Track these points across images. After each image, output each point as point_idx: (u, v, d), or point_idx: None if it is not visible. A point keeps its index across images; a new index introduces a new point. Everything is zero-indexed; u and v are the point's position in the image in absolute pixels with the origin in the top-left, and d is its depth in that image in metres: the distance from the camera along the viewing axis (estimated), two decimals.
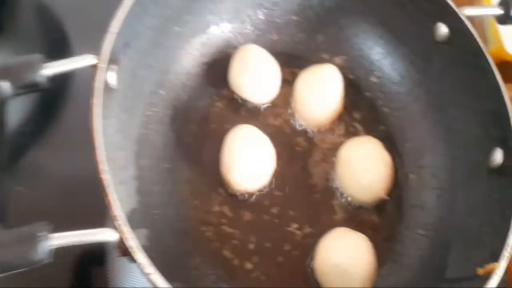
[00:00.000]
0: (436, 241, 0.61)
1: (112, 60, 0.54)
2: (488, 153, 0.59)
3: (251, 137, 0.63)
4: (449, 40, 0.65)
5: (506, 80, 0.60)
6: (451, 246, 0.59)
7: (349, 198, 0.64)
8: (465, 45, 0.63)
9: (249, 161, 0.61)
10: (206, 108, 0.69)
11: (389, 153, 0.66)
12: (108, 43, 0.53)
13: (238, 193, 0.63)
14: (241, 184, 0.61)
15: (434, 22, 0.66)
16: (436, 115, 0.68)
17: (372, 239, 0.62)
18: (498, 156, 0.57)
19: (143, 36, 0.61)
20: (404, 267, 0.61)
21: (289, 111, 0.71)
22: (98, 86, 0.51)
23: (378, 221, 0.64)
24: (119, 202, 0.45)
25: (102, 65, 0.52)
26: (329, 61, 0.75)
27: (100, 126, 0.48)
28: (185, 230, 0.60)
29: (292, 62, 0.75)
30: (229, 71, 0.69)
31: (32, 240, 0.40)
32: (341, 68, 0.75)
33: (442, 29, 0.65)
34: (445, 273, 0.57)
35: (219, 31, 0.74)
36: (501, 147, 0.57)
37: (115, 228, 0.44)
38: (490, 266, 0.48)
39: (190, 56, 0.71)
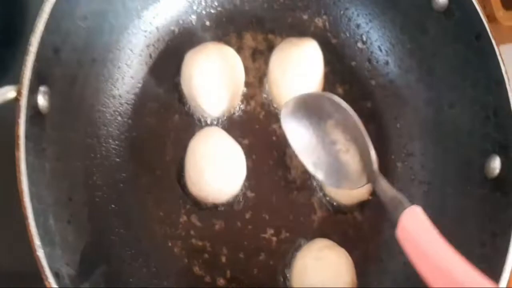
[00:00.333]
0: None
1: (41, 81, 0.45)
2: (485, 154, 0.52)
3: (218, 145, 0.55)
4: (448, 10, 0.55)
5: None
6: None
7: (328, 197, 0.59)
8: (466, 20, 0.54)
9: (216, 175, 0.54)
10: (165, 98, 0.60)
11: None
12: (29, 66, 0.43)
13: (205, 205, 0.57)
14: (208, 199, 0.55)
15: None
16: (427, 94, 0.60)
17: (353, 240, 0.58)
18: (495, 164, 0.50)
19: (75, 31, 0.51)
20: (387, 275, 0.57)
21: (263, 91, 0.62)
22: (23, 125, 0.42)
23: (360, 219, 0.59)
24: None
25: (26, 96, 0.43)
26: (309, 22, 0.65)
27: (26, 188, 0.40)
28: (148, 251, 0.55)
29: (265, 26, 0.65)
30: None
31: None
32: (323, 31, 0.65)
33: None
34: None
35: None
36: (500, 155, 0.50)
37: None
38: None
39: (142, 33, 0.60)
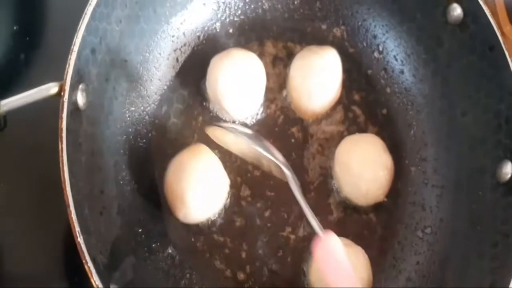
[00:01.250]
0: (434, 248, 0.59)
1: (80, 79, 0.48)
2: (497, 160, 0.55)
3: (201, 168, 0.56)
4: (463, 23, 0.58)
5: None
6: (450, 258, 0.57)
7: (344, 198, 0.61)
8: (480, 33, 0.56)
9: (198, 197, 0.55)
10: (189, 100, 0.63)
11: (391, 141, 0.63)
12: (71, 64, 0.46)
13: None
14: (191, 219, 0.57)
15: (448, 1, 0.58)
16: (441, 103, 0.63)
17: (368, 240, 0.60)
18: (507, 170, 0.53)
19: (110, 33, 0.54)
20: (402, 274, 0.59)
21: (283, 96, 0.65)
22: (65, 119, 0.45)
23: (375, 220, 0.62)
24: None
25: (68, 92, 0.46)
26: (328, 32, 0.68)
27: (68, 177, 0.43)
28: (173, 244, 0.57)
29: (285, 35, 0.68)
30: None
31: None
32: (341, 41, 0.68)
33: (457, 11, 0.57)
34: None
35: (201, 3, 0.65)
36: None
37: None
38: None
39: (170, 38, 0.63)
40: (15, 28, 0.71)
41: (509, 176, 0.53)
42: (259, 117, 0.64)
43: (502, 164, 0.54)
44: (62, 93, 0.46)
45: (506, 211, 0.52)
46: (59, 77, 0.47)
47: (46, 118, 0.47)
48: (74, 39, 0.47)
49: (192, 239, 0.58)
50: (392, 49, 0.66)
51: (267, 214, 0.60)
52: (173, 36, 0.64)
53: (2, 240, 0.60)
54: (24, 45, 0.70)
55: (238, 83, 0.59)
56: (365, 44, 0.67)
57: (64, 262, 0.61)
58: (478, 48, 0.57)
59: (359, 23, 0.67)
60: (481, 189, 0.56)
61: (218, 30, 0.66)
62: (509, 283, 0.47)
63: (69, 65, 0.46)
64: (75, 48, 0.47)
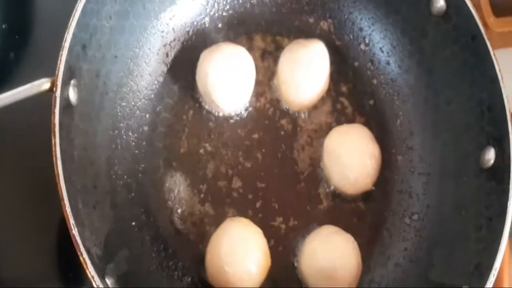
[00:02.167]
0: (422, 234, 0.61)
1: (71, 75, 0.49)
2: (480, 147, 0.56)
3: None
4: (446, 15, 0.59)
5: None
6: (437, 243, 0.59)
7: (334, 187, 0.62)
8: (462, 24, 0.58)
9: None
10: (180, 94, 0.64)
11: (378, 131, 0.64)
12: (63, 60, 0.47)
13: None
14: None
15: None
16: (427, 92, 0.64)
17: (358, 228, 0.62)
18: (490, 156, 0.54)
19: (101, 29, 0.55)
20: (390, 260, 0.61)
21: (272, 89, 0.66)
22: (58, 114, 0.46)
23: (364, 208, 0.63)
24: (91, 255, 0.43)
25: (60, 87, 0.46)
26: (315, 25, 0.69)
27: (61, 171, 0.44)
28: (165, 236, 0.58)
29: (274, 29, 0.69)
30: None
31: None
32: (328, 34, 0.69)
33: (440, 2, 0.59)
34: (430, 274, 0.57)
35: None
36: (494, 147, 0.54)
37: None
38: None
39: (159, 34, 0.64)
40: (3, 26, 0.71)
41: (491, 162, 0.54)
42: (248, 110, 0.65)
43: (485, 150, 0.55)
44: (54, 89, 0.46)
45: (489, 195, 0.54)
46: (49, 75, 0.48)
47: (38, 115, 0.48)
48: (65, 35, 0.48)
49: (185, 231, 0.59)
50: (378, 41, 0.68)
51: (258, 205, 0.62)
52: (162, 32, 0.64)
53: None
54: (14, 44, 0.71)
55: (228, 77, 0.60)
56: (351, 37, 0.69)
57: (58, 259, 0.62)
58: (461, 38, 0.58)
59: (346, 16, 0.69)
60: (465, 176, 0.58)
61: (207, 25, 0.67)
62: (493, 264, 0.49)
63: (60, 61, 0.47)
64: (66, 44, 0.48)
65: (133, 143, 0.60)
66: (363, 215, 0.63)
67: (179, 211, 0.60)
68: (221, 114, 0.64)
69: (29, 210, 0.61)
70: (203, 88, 0.62)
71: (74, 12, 0.49)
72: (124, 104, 0.60)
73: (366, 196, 0.63)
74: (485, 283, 0.49)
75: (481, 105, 0.57)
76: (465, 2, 0.56)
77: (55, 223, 0.62)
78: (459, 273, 0.53)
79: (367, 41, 0.68)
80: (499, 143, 0.54)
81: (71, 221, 0.43)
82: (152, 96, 0.63)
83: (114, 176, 0.56)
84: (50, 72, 0.48)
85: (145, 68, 0.63)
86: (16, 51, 0.70)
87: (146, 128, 0.61)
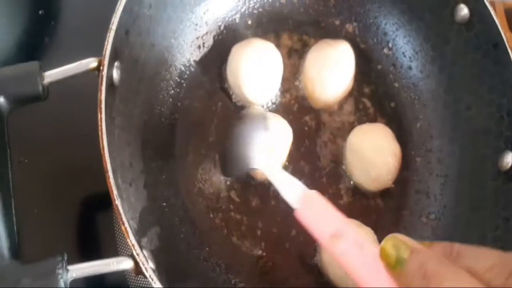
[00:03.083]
0: (438, 233, 0.63)
1: (115, 57, 0.51)
2: (498, 150, 0.59)
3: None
4: (469, 23, 0.62)
5: None
6: (452, 242, 0.60)
7: (354, 184, 0.65)
8: (485, 31, 0.60)
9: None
10: (210, 86, 0.66)
11: (398, 133, 0.66)
12: (110, 41, 0.49)
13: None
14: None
15: (456, 2, 0.62)
16: (447, 97, 0.67)
17: (376, 224, 0.63)
18: (508, 159, 0.57)
19: (142, 17, 0.57)
20: None
21: (298, 85, 0.68)
22: (104, 92, 0.48)
23: (382, 205, 0.65)
24: (133, 228, 0.45)
25: (106, 67, 0.49)
26: (340, 27, 0.72)
27: (106, 144, 0.46)
28: (193, 219, 0.60)
29: (301, 28, 0.72)
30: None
31: (52, 276, 0.40)
32: (353, 36, 0.72)
33: (464, 11, 0.62)
34: None
35: None
36: None
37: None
38: None
39: (193, 27, 0.67)
40: (40, 12, 0.74)
41: (510, 165, 0.57)
42: (275, 105, 0.67)
43: (503, 154, 0.58)
44: (101, 67, 0.48)
45: (507, 197, 0.56)
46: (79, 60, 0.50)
47: (82, 93, 0.51)
48: (112, 18, 0.50)
49: (211, 216, 0.61)
50: (401, 46, 0.70)
51: (280, 196, 0.63)
52: (196, 25, 0.67)
53: (23, 215, 0.63)
54: (49, 29, 0.73)
55: (258, 70, 0.63)
56: (375, 41, 0.71)
57: (84, 238, 0.64)
58: (483, 46, 0.61)
59: (371, 20, 0.71)
60: (483, 178, 0.60)
61: (237, 21, 0.70)
62: None
63: (107, 41, 0.49)
64: (113, 27, 0.50)
65: (165, 129, 0.62)
66: (381, 212, 0.65)
67: (205, 196, 0.62)
68: (248, 107, 0.66)
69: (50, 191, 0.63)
70: (234, 80, 0.64)
71: None
72: (158, 91, 0.63)
73: (385, 193, 0.65)
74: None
75: (500, 110, 0.59)
76: (488, 11, 0.59)
77: (76, 205, 0.64)
78: None
79: (390, 45, 0.71)
80: None
81: (114, 191, 0.45)
82: (184, 85, 0.65)
83: (147, 158, 0.58)
84: (80, 57, 0.50)
85: (178, 59, 0.65)
86: (50, 36, 0.73)
87: (177, 115, 0.64)
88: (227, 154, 0.59)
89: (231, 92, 0.66)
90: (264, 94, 0.65)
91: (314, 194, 0.48)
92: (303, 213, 0.48)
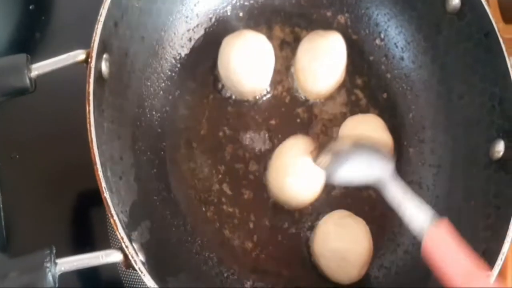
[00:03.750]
0: None
1: (104, 49, 0.51)
2: (490, 139, 0.58)
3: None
4: (460, 12, 0.62)
5: None
6: None
7: None
8: (476, 21, 0.60)
9: None
10: (201, 78, 0.66)
11: (390, 124, 0.66)
12: (98, 33, 0.49)
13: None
14: None
15: None
16: (439, 87, 0.67)
17: (369, 215, 0.63)
18: (499, 148, 0.57)
19: (131, 9, 0.57)
20: (400, 247, 0.63)
21: (289, 78, 0.68)
22: (92, 84, 0.48)
23: (375, 197, 0.65)
24: (123, 222, 0.45)
25: (95, 59, 0.48)
26: (332, 19, 0.71)
27: (94, 137, 0.46)
28: (185, 212, 0.60)
29: (292, 20, 0.71)
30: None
31: (40, 269, 0.40)
32: (345, 28, 0.71)
33: (455, 0, 0.61)
34: None
35: None
36: (504, 139, 0.56)
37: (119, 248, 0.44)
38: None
39: (184, 19, 0.66)
40: (31, 7, 0.74)
41: (501, 153, 0.57)
42: (266, 97, 0.67)
43: (495, 142, 0.58)
44: (89, 60, 0.48)
45: (498, 185, 0.56)
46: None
47: (72, 87, 0.50)
48: (101, 10, 0.50)
49: (203, 209, 0.61)
50: (393, 37, 0.70)
51: None
52: (187, 17, 0.67)
53: (14, 210, 0.63)
54: (40, 24, 0.73)
55: (249, 62, 0.63)
56: (367, 31, 0.71)
57: (76, 233, 0.64)
58: (475, 35, 0.61)
59: (363, 11, 0.71)
60: (475, 167, 0.60)
61: (229, 13, 0.69)
62: (501, 248, 0.51)
63: (96, 33, 0.49)
64: (102, 18, 0.50)
65: (156, 122, 0.62)
66: (374, 203, 0.64)
67: (197, 189, 0.61)
68: (239, 99, 0.66)
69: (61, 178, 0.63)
70: (225, 72, 0.64)
71: None
72: (148, 84, 0.62)
73: None
74: (492, 267, 0.51)
75: (492, 99, 0.59)
76: (479, 0, 0.59)
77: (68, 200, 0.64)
78: None
79: (382, 36, 0.71)
80: (509, 135, 0.56)
81: (103, 184, 0.44)
82: (175, 78, 0.65)
83: (138, 151, 0.58)
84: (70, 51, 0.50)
85: (169, 51, 0.65)
86: (41, 31, 0.72)
87: (168, 108, 0.63)
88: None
89: (222, 85, 0.65)
90: (256, 86, 0.65)
91: (446, 224, 0.45)
92: (432, 246, 0.45)
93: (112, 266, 0.55)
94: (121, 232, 0.43)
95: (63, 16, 0.74)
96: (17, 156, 0.64)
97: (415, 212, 0.48)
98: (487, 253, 0.53)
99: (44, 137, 0.63)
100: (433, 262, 0.44)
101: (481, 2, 0.59)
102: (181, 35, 0.66)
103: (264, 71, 0.64)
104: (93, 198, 0.63)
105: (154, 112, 0.62)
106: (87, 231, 0.64)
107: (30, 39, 0.72)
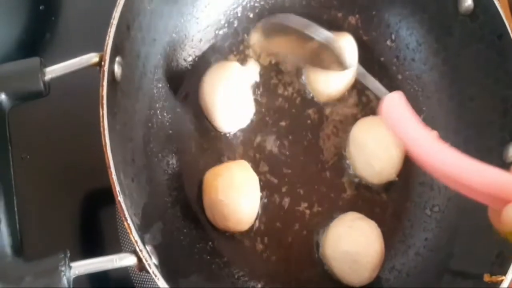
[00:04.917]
0: (442, 225, 0.62)
1: (117, 52, 0.51)
2: (503, 143, 0.58)
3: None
4: (473, 14, 0.61)
5: None
6: (457, 233, 0.60)
7: (358, 177, 0.64)
8: (489, 22, 0.60)
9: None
10: None
11: None
12: (111, 36, 0.49)
13: None
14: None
15: None
16: (451, 89, 0.66)
17: (380, 217, 0.63)
18: None
19: (143, 12, 0.57)
20: (411, 249, 0.62)
21: (300, 79, 0.68)
22: (106, 87, 0.48)
23: (386, 198, 0.65)
24: (136, 224, 0.45)
25: (108, 62, 0.48)
26: (343, 20, 0.71)
27: (108, 140, 0.46)
28: (197, 214, 0.60)
29: None
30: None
31: (55, 273, 0.40)
32: (355, 29, 0.71)
33: (467, 2, 0.61)
34: (450, 262, 0.58)
35: None
36: None
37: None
38: (497, 278, 0.50)
39: (195, 20, 0.66)
40: (41, 8, 0.74)
41: None
42: (278, 98, 0.67)
43: (508, 146, 0.57)
44: (102, 63, 0.48)
45: None
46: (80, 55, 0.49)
47: (84, 89, 0.51)
48: (114, 13, 0.50)
49: None
50: (404, 38, 0.70)
51: (284, 189, 0.64)
52: (197, 18, 0.67)
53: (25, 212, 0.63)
54: (50, 25, 0.73)
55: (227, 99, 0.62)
56: (378, 33, 0.71)
57: (86, 234, 0.64)
58: (487, 37, 0.60)
59: (373, 13, 0.71)
60: None
61: (239, 15, 0.69)
62: None
63: (109, 37, 0.49)
64: (115, 22, 0.50)
65: (168, 124, 0.62)
66: (385, 205, 0.65)
67: None
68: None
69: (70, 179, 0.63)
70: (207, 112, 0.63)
71: None
72: (160, 85, 0.62)
73: (388, 186, 0.65)
74: (507, 270, 0.51)
75: (505, 102, 0.59)
76: (492, 1, 0.58)
77: (79, 201, 0.64)
78: (480, 262, 0.54)
79: (393, 37, 0.70)
80: None
81: (117, 188, 0.44)
82: (185, 80, 0.65)
83: (149, 153, 0.58)
84: (81, 53, 0.50)
85: (179, 53, 0.65)
86: (51, 31, 0.72)
87: (179, 110, 0.63)
88: None
89: None
90: (238, 119, 0.64)
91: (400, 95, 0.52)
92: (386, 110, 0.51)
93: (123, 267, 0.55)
94: (135, 236, 0.43)
95: (73, 17, 0.74)
96: (28, 157, 0.64)
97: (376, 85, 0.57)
98: (502, 256, 0.53)
99: (56, 139, 0.64)
100: (389, 125, 0.51)
101: (494, 4, 0.59)
102: (191, 36, 0.66)
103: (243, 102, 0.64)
104: (102, 199, 0.64)
105: (165, 114, 0.62)
106: (97, 232, 0.64)
107: (40, 40, 0.72)
